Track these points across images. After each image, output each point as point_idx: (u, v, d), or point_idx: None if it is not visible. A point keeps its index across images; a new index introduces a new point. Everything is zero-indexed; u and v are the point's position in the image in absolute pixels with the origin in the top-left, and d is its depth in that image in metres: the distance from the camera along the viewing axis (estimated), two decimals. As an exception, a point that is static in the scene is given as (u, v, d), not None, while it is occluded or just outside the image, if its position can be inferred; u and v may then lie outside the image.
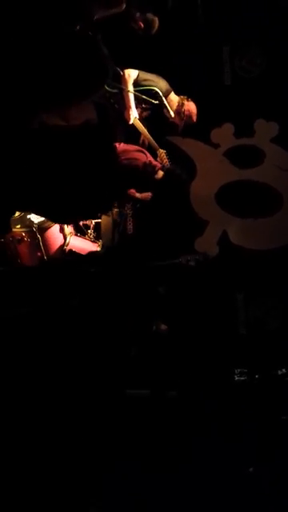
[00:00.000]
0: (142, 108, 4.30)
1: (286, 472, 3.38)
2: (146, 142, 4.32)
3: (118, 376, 3.75)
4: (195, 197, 4.54)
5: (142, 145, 4.25)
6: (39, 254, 4.25)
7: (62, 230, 4.33)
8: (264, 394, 4.02)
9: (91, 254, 4.40)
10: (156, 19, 4.22)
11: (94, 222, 4.59)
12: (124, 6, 3.56)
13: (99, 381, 3.60)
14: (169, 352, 4.08)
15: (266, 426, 3.68)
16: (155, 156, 4.12)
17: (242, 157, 4.61)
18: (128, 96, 4.15)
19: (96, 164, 3.58)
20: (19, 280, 3.84)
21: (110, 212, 4.39)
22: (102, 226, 4.52)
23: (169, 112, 4.36)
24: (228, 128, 4.64)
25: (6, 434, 3.19)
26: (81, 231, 4.62)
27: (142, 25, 4.18)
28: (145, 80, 4.22)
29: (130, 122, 4.19)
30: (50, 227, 4.27)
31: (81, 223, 4.59)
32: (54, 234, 4.31)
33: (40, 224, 4.25)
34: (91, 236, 4.61)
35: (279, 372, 4.11)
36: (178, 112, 4.37)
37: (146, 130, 4.30)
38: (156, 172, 3.84)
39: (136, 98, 4.19)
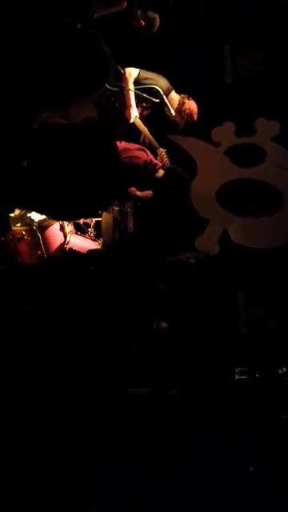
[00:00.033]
0: (143, 107, 4.30)
1: (285, 471, 3.38)
2: (147, 141, 4.32)
3: (118, 374, 3.75)
4: (196, 195, 4.55)
5: (143, 143, 4.25)
6: (39, 252, 4.25)
7: (62, 229, 4.33)
8: (264, 393, 4.02)
9: (91, 251, 4.40)
10: (157, 17, 4.21)
11: (94, 220, 4.58)
12: (125, 4, 3.56)
13: (100, 379, 3.60)
14: (169, 350, 4.08)
15: (266, 424, 3.67)
16: (155, 155, 4.12)
17: (242, 155, 4.61)
18: (129, 94, 4.14)
19: (97, 162, 3.58)
20: (19, 278, 3.83)
21: (110, 209, 4.39)
22: (103, 224, 4.52)
23: (170, 110, 4.36)
24: (229, 127, 4.64)
25: (6, 433, 3.19)
26: (81, 230, 4.61)
27: (143, 23, 4.17)
28: (145, 79, 4.22)
29: (131, 121, 4.19)
30: (50, 226, 4.26)
31: (81, 221, 4.59)
32: (54, 232, 4.31)
33: (40, 222, 4.24)
34: (91, 234, 4.60)
35: (279, 371, 4.11)
36: (178, 110, 4.37)
37: (146, 129, 4.29)
38: (157, 171, 3.84)
39: (137, 96, 4.18)
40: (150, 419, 3.62)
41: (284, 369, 4.10)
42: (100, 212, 4.47)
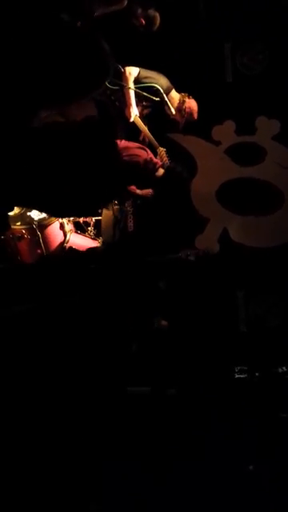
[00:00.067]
0: (143, 106, 4.30)
1: (286, 470, 3.38)
2: (146, 140, 4.32)
3: (118, 373, 3.74)
4: (196, 194, 4.54)
5: (142, 142, 4.24)
6: (39, 251, 4.24)
7: (62, 227, 4.32)
8: (264, 392, 4.02)
9: (91, 249, 4.40)
10: (157, 15, 4.20)
11: (94, 219, 4.58)
12: (125, 2, 3.55)
13: (100, 378, 3.60)
14: (169, 349, 4.08)
15: (266, 423, 3.67)
16: (155, 154, 4.12)
17: (243, 154, 4.60)
18: (129, 93, 4.14)
19: (98, 160, 3.57)
20: (19, 277, 3.83)
21: (110, 207, 4.39)
22: (103, 223, 4.51)
23: (170, 109, 4.36)
24: (229, 125, 4.63)
25: (6, 432, 3.18)
26: (81, 228, 4.61)
27: (144, 21, 4.17)
28: (146, 77, 4.21)
29: (131, 120, 4.18)
30: (50, 224, 4.25)
31: (81, 220, 4.59)
32: (54, 231, 4.30)
33: (40, 221, 4.23)
34: (91, 233, 4.60)
35: (279, 370, 4.11)
36: (179, 109, 4.37)
37: (146, 128, 4.29)
38: (157, 169, 3.83)
39: (137, 95, 4.18)
40: (150, 418, 3.62)
41: (284, 368, 4.10)
42: (100, 211, 4.47)
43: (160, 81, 4.29)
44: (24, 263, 4.28)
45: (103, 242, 4.48)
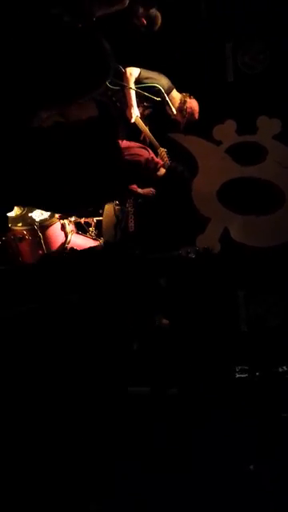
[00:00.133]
0: (144, 106, 4.29)
1: (286, 470, 3.39)
2: (147, 140, 4.31)
3: (119, 372, 3.75)
4: (197, 194, 4.55)
5: (143, 143, 4.24)
6: (40, 252, 4.23)
7: (63, 228, 4.31)
8: (265, 392, 4.02)
9: (91, 249, 4.39)
10: (159, 15, 4.19)
11: (95, 219, 4.58)
12: (127, 2, 3.54)
13: (100, 378, 3.60)
14: (170, 349, 4.09)
15: (266, 423, 3.68)
16: (156, 155, 4.11)
17: (244, 154, 4.61)
18: (130, 94, 4.13)
19: (99, 159, 3.57)
20: (21, 278, 3.83)
21: (111, 204, 4.39)
22: (104, 223, 4.51)
23: (171, 109, 4.35)
24: (230, 125, 4.64)
25: (6, 431, 3.20)
26: (82, 229, 4.61)
27: (145, 21, 4.15)
28: (147, 78, 4.21)
29: (132, 121, 4.18)
30: (51, 225, 4.24)
31: (82, 221, 4.59)
32: (55, 231, 4.29)
33: (41, 222, 4.22)
34: (93, 234, 4.59)
35: (280, 369, 4.11)
36: (180, 109, 4.36)
37: (147, 129, 4.28)
38: (158, 169, 3.84)
39: (138, 96, 4.17)
40: (150, 417, 3.63)
41: (284, 367, 4.10)
42: (100, 211, 4.48)
43: (161, 81, 4.28)
44: (25, 264, 4.28)
45: (104, 243, 4.48)
